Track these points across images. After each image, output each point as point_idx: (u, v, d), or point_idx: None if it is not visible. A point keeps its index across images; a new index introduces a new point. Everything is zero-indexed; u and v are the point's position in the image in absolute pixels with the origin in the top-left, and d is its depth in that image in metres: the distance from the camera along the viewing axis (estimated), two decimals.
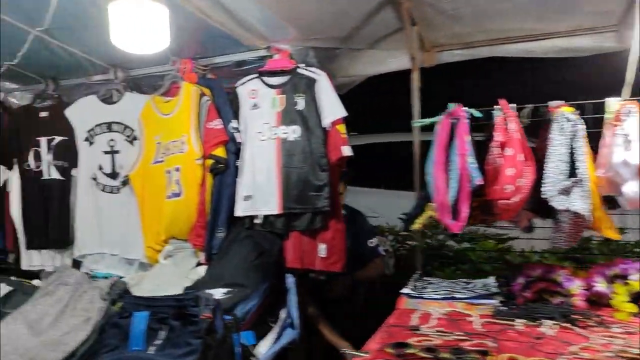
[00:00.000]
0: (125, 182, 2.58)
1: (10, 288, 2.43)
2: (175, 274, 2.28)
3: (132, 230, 2.55)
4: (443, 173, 1.73)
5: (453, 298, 1.83)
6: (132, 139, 2.58)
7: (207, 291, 1.97)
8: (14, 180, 2.82)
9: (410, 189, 2.52)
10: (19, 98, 3.24)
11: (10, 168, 2.81)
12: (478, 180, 1.73)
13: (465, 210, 1.71)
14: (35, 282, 2.72)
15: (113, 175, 2.63)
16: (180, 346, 1.57)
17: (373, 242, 2.83)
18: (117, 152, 2.61)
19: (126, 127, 2.59)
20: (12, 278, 2.46)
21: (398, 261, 3.14)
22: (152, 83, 2.82)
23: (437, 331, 1.50)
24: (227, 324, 1.71)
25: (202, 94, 2.27)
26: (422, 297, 1.86)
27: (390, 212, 3.36)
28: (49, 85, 2.83)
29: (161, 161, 2.41)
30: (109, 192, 2.63)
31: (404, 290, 1.92)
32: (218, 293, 2.01)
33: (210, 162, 2.26)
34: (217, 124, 2.25)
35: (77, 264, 2.76)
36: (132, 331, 1.65)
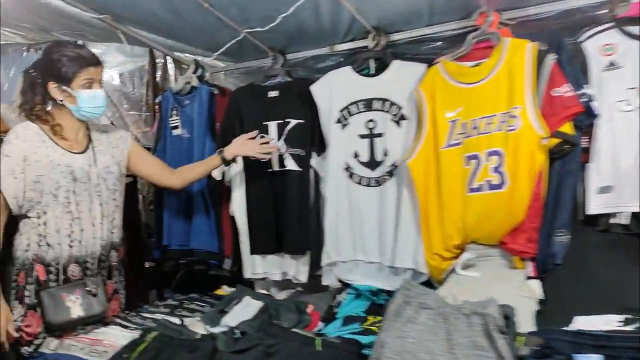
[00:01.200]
0: (391, 173, 2.07)
1: (260, 304, 2.01)
2: (500, 290, 1.72)
3: (400, 232, 2.04)
4: None
5: None
6: (399, 119, 2.07)
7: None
8: (236, 172, 2.39)
9: None
10: (222, 80, 2.84)
11: None
12: None
13: None
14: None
15: (372, 164, 2.12)
16: None
17: None
18: (378, 135, 2.10)
19: (392, 104, 2.07)
20: None
21: None
22: (398, 51, 2.30)
23: None
24: None
25: (543, 51, 1.70)
26: None
27: None
28: (278, 59, 2.38)
29: (458, 144, 1.87)
30: (366, 185, 2.13)
31: None
32: (612, 322, 1.45)
33: (554, 141, 1.69)
34: (566, 90, 1.68)
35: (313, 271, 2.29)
36: None
